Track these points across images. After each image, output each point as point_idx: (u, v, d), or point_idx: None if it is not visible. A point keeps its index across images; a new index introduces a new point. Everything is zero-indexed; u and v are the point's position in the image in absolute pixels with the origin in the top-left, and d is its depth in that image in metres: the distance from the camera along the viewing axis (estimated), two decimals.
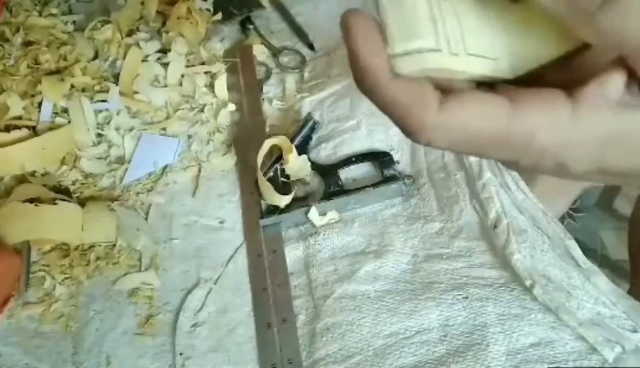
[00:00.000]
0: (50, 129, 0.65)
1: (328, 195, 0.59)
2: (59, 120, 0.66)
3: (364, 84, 0.22)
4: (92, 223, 0.59)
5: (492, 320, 0.48)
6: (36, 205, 0.58)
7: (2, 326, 0.56)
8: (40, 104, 0.67)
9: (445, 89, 0.22)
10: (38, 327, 0.55)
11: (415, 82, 0.21)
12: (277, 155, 0.61)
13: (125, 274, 0.58)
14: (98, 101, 0.68)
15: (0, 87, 0.68)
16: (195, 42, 0.73)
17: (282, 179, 0.60)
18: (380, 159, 0.61)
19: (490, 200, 0.54)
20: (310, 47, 0.75)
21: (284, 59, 0.74)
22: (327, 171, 0.61)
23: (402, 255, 0.54)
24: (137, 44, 0.71)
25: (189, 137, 0.67)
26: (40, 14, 0.77)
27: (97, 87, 0.69)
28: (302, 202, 0.59)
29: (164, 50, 0.72)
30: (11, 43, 0.73)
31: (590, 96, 0.21)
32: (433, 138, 0.22)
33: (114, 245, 0.59)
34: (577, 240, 0.52)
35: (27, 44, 0.73)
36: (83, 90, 0.69)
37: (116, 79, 0.70)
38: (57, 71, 0.70)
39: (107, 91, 0.68)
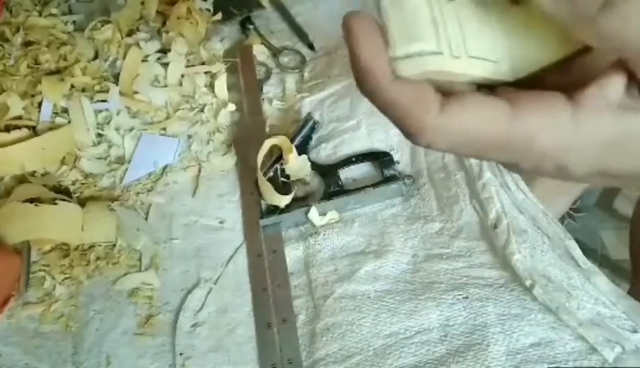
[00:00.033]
0: (50, 129, 0.65)
1: (328, 195, 0.59)
2: (59, 120, 0.66)
3: (365, 85, 0.22)
4: (92, 223, 0.59)
5: (492, 320, 0.48)
6: (36, 205, 0.58)
7: (2, 326, 0.56)
8: (40, 104, 0.67)
9: (446, 92, 0.22)
10: (38, 327, 0.55)
11: (416, 84, 0.22)
12: (277, 155, 0.61)
13: (125, 274, 0.58)
14: (98, 101, 0.68)
15: (0, 87, 0.68)
16: (195, 42, 0.73)
17: (282, 179, 0.60)
18: (380, 158, 0.61)
19: (490, 200, 0.54)
20: (310, 47, 0.75)
21: (284, 59, 0.74)
22: (327, 171, 0.61)
23: (402, 255, 0.54)
24: (137, 44, 0.71)
25: (189, 137, 0.67)
26: (40, 14, 0.77)
27: (97, 87, 0.69)
28: (302, 202, 0.59)
29: (164, 50, 0.72)
30: (11, 43, 0.73)
31: (591, 99, 0.21)
32: (433, 140, 0.22)
33: (114, 245, 0.59)
34: (577, 240, 0.52)
35: (27, 44, 0.73)
36: (83, 90, 0.69)
37: (116, 79, 0.70)
38: (57, 71, 0.70)
39: (107, 91, 0.68)
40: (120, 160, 0.66)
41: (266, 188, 0.58)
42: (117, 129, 0.67)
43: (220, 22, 0.78)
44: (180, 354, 0.52)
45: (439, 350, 0.47)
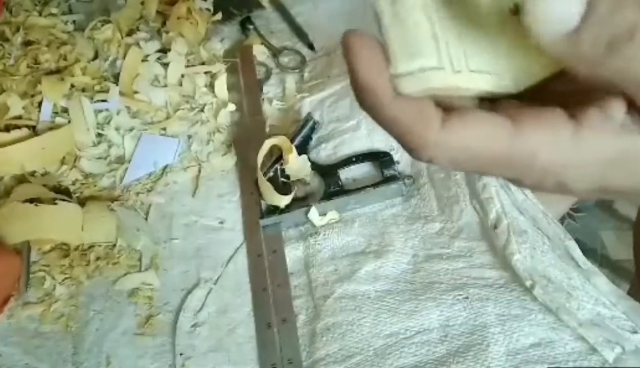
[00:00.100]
0: (50, 128, 0.65)
1: (328, 195, 0.59)
2: (59, 120, 0.66)
3: (365, 102, 0.22)
4: (92, 223, 0.59)
5: (492, 320, 0.48)
6: (36, 205, 0.58)
7: (2, 326, 0.56)
8: (40, 104, 0.67)
9: (448, 107, 0.22)
10: (38, 327, 0.55)
11: (416, 100, 0.22)
12: (277, 155, 0.61)
13: (125, 274, 0.58)
14: (98, 101, 0.68)
15: (0, 87, 0.68)
16: (195, 42, 0.73)
17: (282, 179, 0.60)
18: (380, 158, 0.61)
19: (490, 200, 0.54)
20: (310, 47, 0.75)
21: (284, 59, 0.74)
22: (327, 171, 0.61)
23: (403, 255, 0.54)
24: (137, 44, 0.71)
25: (189, 137, 0.67)
26: (40, 14, 0.77)
27: (97, 87, 0.69)
28: (302, 202, 0.59)
29: (164, 50, 0.72)
30: (11, 43, 0.73)
31: (592, 119, 0.21)
32: (434, 156, 0.22)
33: (114, 245, 0.59)
34: (577, 241, 0.52)
35: (27, 43, 0.73)
36: (83, 90, 0.69)
37: (116, 78, 0.70)
38: (57, 71, 0.70)
39: (107, 91, 0.68)
40: (120, 160, 0.66)
41: (266, 188, 0.58)
42: (117, 129, 0.67)
43: (220, 22, 0.78)
44: (180, 354, 0.52)
45: (439, 350, 0.47)
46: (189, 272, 0.58)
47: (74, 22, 0.77)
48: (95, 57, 0.72)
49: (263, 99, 0.70)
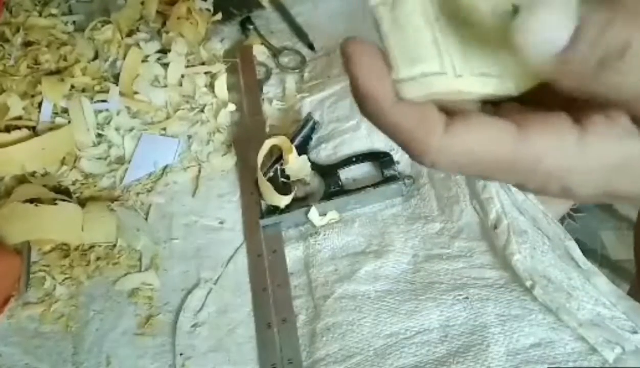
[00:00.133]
0: (50, 129, 0.65)
1: (328, 195, 0.59)
2: (59, 120, 0.66)
3: (366, 109, 0.22)
4: (92, 224, 0.59)
5: (492, 320, 0.48)
6: (36, 205, 0.58)
7: (2, 326, 0.56)
8: (40, 104, 0.67)
9: (451, 111, 0.22)
10: (38, 327, 0.55)
11: (418, 105, 0.21)
12: (277, 155, 0.61)
13: (125, 274, 0.58)
14: (98, 101, 0.68)
15: (0, 87, 0.68)
16: (195, 42, 0.73)
17: (282, 179, 0.60)
18: (380, 159, 0.61)
19: (490, 200, 0.54)
20: (310, 47, 0.75)
21: (284, 59, 0.74)
22: (327, 171, 0.61)
23: (403, 255, 0.54)
24: (137, 44, 0.71)
25: (189, 137, 0.67)
26: (40, 14, 0.77)
27: (97, 87, 0.69)
28: (302, 202, 0.59)
29: (164, 51, 0.72)
30: (11, 43, 0.73)
31: (598, 124, 0.21)
32: (437, 161, 0.22)
33: (114, 246, 0.59)
34: (577, 241, 0.52)
35: (27, 44, 0.73)
36: (83, 90, 0.69)
37: (116, 79, 0.70)
38: (57, 71, 0.70)
39: (107, 91, 0.68)
40: (120, 161, 0.66)
41: (266, 188, 0.58)
42: (117, 129, 0.67)
43: (220, 22, 0.78)
44: (180, 354, 0.52)
45: (439, 350, 0.47)
46: (189, 272, 0.58)
47: (74, 22, 0.77)
48: (95, 57, 0.72)
49: (263, 99, 0.70)
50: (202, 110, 0.69)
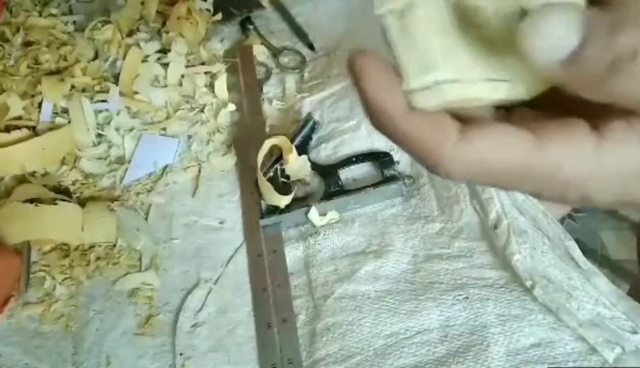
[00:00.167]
0: (50, 129, 0.65)
1: (328, 195, 0.59)
2: (59, 120, 0.66)
3: (377, 121, 0.22)
4: (92, 224, 0.59)
5: (492, 320, 0.48)
6: (36, 205, 0.58)
7: (2, 326, 0.56)
8: (40, 104, 0.67)
9: (464, 118, 0.22)
10: (38, 327, 0.55)
11: (431, 115, 0.21)
12: (277, 155, 0.61)
13: (125, 274, 0.58)
14: (98, 101, 0.68)
15: (0, 87, 0.68)
16: (195, 42, 0.73)
17: (282, 179, 0.60)
18: (380, 159, 0.61)
19: (490, 200, 0.54)
20: (310, 47, 0.75)
21: (284, 59, 0.74)
22: (327, 171, 0.61)
23: (403, 255, 0.54)
24: (137, 44, 0.71)
25: (189, 137, 0.67)
26: (40, 14, 0.77)
27: (97, 87, 0.69)
28: (302, 202, 0.59)
29: (164, 50, 0.72)
30: (11, 43, 0.73)
31: (615, 130, 0.21)
32: (452, 171, 0.22)
33: (114, 246, 0.59)
34: (577, 241, 0.52)
35: (27, 44, 0.73)
36: (83, 90, 0.69)
37: (116, 79, 0.70)
38: (57, 71, 0.70)
39: (107, 91, 0.68)
40: (120, 161, 0.66)
41: (266, 188, 0.58)
42: (117, 129, 0.67)
43: (220, 22, 0.78)
44: (180, 354, 0.52)
45: (439, 350, 0.47)
46: (189, 272, 0.58)
47: (74, 22, 0.77)
48: (95, 57, 0.72)
49: (263, 99, 0.70)
50: (202, 110, 0.69)
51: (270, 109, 0.69)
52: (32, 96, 0.68)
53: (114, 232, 0.59)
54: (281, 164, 0.61)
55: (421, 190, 0.59)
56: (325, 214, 0.58)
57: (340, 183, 0.60)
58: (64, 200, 0.60)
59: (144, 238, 0.59)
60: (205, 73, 0.71)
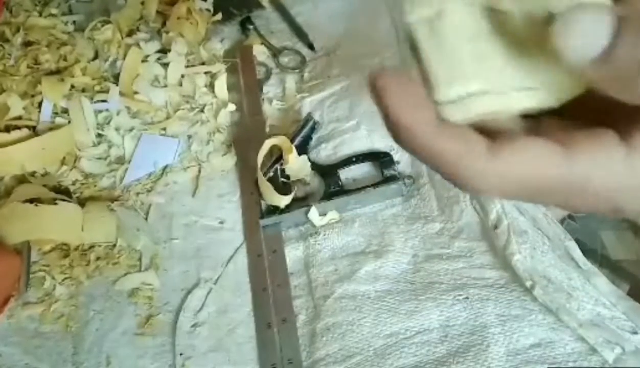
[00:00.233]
0: (51, 129, 0.65)
1: (328, 195, 0.59)
2: (59, 120, 0.66)
3: (403, 141, 0.21)
4: (92, 224, 0.59)
5: (492, 320, 0.48)
6: (36, 205, 0.58)
7: (2, 326, 0.56)
8: (40, 104, 0.67)
9: (492, 131, 0.21)
10: (38, 327, 0.55)
11: (459, 132, 0.21)
12: (277, 155, 0.61)
13: (125, 274, 0.58)
14: (98, 101, 0.68)
15: (0, 87, 0.68)
16: (195, 42, 0.73)
17: (282, 179, 0.60)
18: (380, 159, 0.61)
19: (490, 201, 0.54)
20: (310, 47, 0.75)
21: (284, 59, 0.74)
22: (327, 171, 0.61)
23: (403, 255, 0.54)
24: (137, 44, 0.71)
25: (189, 137, 0.67)
26: (40, 14, 0.77)
27: (97, 87, 0.69)
28: (302, 202, 0.59)
29: (164, 50, 0.72)
30: (11, 43, 0.73)
31: None
32: (482, 187, 0.21)
33: (114, 245, 0.59)
34: (577, 241, 0.52)
35: (27, 44, 0.73)
36: (83, 90, 0.69)
37: (116, 79, 0.70)
38: (57, 71, 0.70)
39: (107, 91, 0.68)
40: (120, 161, 0.66)
41: (266, 188, 0.58)
42: (117, 129, 0.67)
43: (220, 22, 0.78)
44: (180, 354, 0.52)
45: (439, 350, 0.47)
46: (189, 272, 0.58)
47: (74, 22, 0.77)
48: (95, 57, 0.72)
49: (263, 99, 0.70)
50: (202, 110, 0.69)
51: (270, 109, 0.69)
52: (32, 96, 0.68)
53: (114, 232, 0.59)
54: (281, 164, 0.61)
55: (421, 190, 0.59)
56: (325, 214, 0.58)
57: (340, 183, 0.60)
58: (64, 200, 0.60)
59: (144, 238, 0.59)
60: (205, 73, 0.71)
